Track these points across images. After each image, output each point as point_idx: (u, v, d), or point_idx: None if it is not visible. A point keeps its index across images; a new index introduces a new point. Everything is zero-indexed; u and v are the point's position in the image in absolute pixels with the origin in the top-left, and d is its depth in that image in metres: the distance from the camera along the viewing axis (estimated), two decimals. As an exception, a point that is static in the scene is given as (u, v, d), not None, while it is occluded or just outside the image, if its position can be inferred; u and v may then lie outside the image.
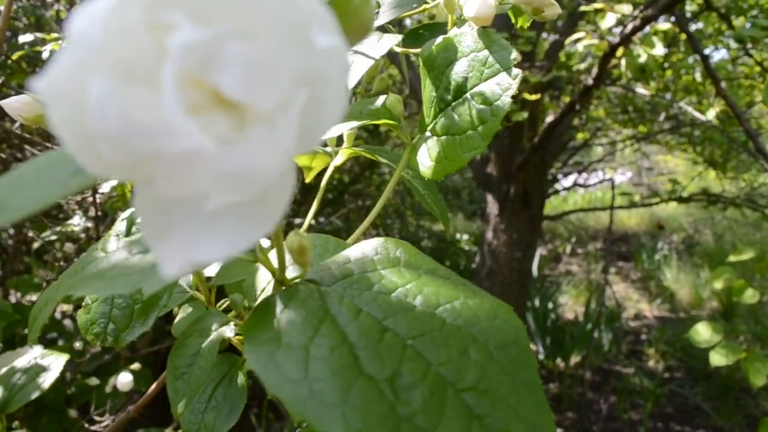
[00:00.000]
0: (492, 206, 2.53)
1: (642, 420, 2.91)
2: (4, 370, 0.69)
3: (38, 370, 0.68)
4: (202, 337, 0.45)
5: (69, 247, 1.19)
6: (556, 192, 3.81)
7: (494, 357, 0.27)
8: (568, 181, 4.20)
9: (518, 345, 0.28)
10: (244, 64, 0.18)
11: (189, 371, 0.44)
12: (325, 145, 0.62)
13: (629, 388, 3.15)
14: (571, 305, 4.01)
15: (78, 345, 1.12)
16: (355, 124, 0.49)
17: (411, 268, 0.32)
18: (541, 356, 3.30)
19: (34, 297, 1.35)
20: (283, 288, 0.33)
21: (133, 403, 1.19)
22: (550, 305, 3.44)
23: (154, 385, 0.60)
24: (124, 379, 1.07)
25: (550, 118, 2.56)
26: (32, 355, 0.71)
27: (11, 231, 1.64)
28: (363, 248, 0.34)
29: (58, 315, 1.50)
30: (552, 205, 6.19)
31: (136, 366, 1.05)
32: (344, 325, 0.28)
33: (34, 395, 0.65)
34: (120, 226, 0.50)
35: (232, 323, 0.46)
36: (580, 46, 2.06)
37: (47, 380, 0.66)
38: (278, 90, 0.19)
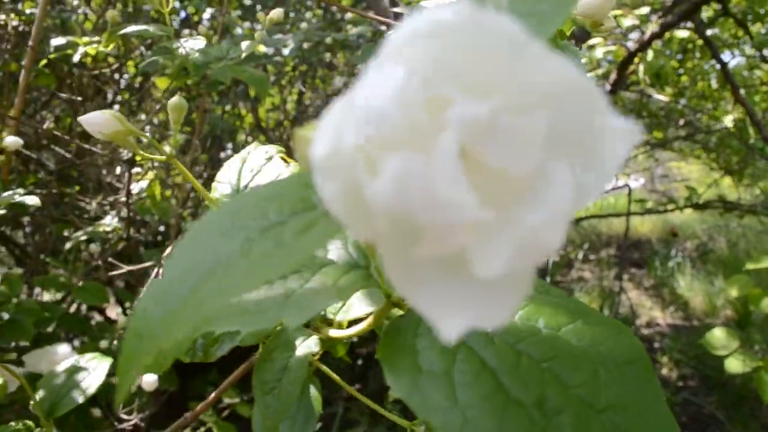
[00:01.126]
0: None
1: (656, 428, 2.90)
2: (44, 371, 0.70)
3: (82, 373, 0.69)
4: (287, 351, 0.46)
5: (93, 248, 1.21)
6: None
7: (623, 375, 0.28)
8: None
9: (642, 361, 0.29)
10: (513, 136, 0.19)
11: (278, 386, 0.45)
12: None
13: None
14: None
15: (104, 344, 1.13)
16: None
17: None
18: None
19: (58, 295, 1.37)
20: (402, 312, 0.33)
21: (157, 403, 1.20)
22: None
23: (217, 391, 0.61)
24: (149, 379, 1.08)
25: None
26: (75, 358, 0.72)
27: (27, 229, 1.66)
28: None
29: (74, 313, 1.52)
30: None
31: (160, 366, 1.06)
32: (480, 350, 0.29)
33: (80, 399, 0.65)
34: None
35: (315, 337, 0.46)
36: (598, 53, 2.06)
37: (93, 384, 0.67)
38: (537, 160, 0.19)
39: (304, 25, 1.11)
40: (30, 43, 0.90)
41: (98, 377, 0.69)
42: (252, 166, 0.54)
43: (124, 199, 0.96)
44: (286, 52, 1.14)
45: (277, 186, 0.25)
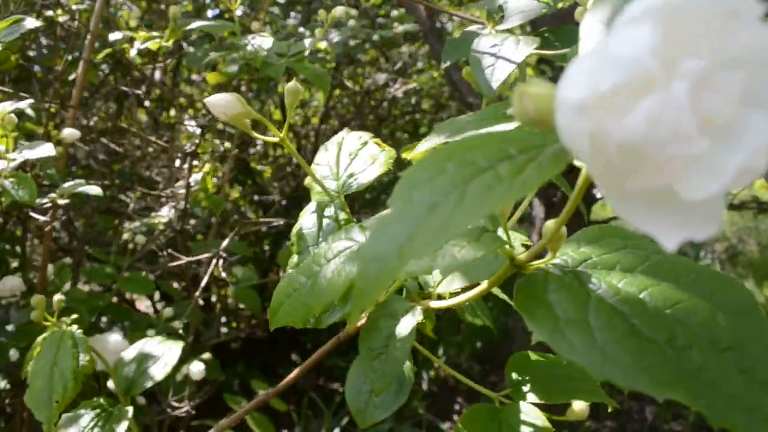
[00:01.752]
0: (538, 210, 2.52)
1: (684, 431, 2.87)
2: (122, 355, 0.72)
3: (156, 354, 0.71)
4: (392, 320, 0.48)
5: (139, 239, 1.23)
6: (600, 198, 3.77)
7: (739, 321, 0.31)
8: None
9: (755, 309, 0.32)
10: (722, 88, 0.24)
11: (386, 351, 0.47)
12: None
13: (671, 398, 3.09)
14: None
15: (150, 333, 1.15)
16: (497, 128, 0.50)
17: (636, 249, 0.37)
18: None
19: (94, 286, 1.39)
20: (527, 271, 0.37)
21: (203, 393, 1.22)
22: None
23: (295, 372, 0.62)
24: (196, 368, 1.10)
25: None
26: (148, 341, 0.74)
27: (62, 220, 1.69)
28: (588, 234, 0.39)
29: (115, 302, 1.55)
30: (594, 213, 6.11)
31: (207, 356, 1.08)
32: (609, 299, 0.33)
33: (159, 377, 0.68)
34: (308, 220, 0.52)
35: (418, 307, 0.48)
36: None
37: (168, 364, 0.70)
38: (737, 110, 0.25)
39: (352, 22, 1.12)
40: (88, 36, 0.92)
41: (172, 358, 0.71)
42: (349, 150, 0.57)
43: (183, 191, 0.97)
44: (324, 46, 1.15)
45: (477, 138, 0.28)
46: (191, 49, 1.20)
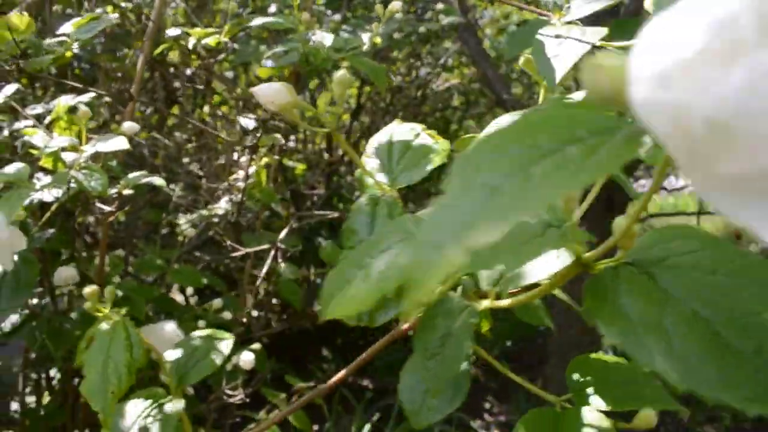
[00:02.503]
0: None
1: (719, 434, 2.83)
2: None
3: (209, 345, 0.72)
4: (448, 319, 0.48)
5: (189, 232, 1.26)
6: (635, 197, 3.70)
7: None
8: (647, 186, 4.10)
9: None
10: None
11: (441, 352, 0.47)
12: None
13: (704, 400, 3.05)
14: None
15: (201, 324, 1.18)
16: None
17: (716, 250, 0.34)
18: (612, 363, 3.23)
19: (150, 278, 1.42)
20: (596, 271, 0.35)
21: (255, 382, 1.24)
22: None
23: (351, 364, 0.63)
24: (247, 358, 1.12)
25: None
26: (199, 333, 0.76)
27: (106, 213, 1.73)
28: (660, 234, 0.37)
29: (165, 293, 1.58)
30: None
31: (256, 346, 1.10)
32: (687, 302, 0.30)
33: (213, 367, 0.69)
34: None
35: (476, 306, 0.48)
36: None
37: (220, 355, 0.70)
38: None
39: (399, 15, 1.12)
40: (148, 31, 0.95)
41: (225, 348, 0.72)
42: (401, 142, 0.56)
43: (241, 183, 0.99)
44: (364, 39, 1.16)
45: (541, 119, 0.26)
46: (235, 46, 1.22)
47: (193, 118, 1.08)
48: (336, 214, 1.34)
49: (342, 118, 3.03)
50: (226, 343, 0.75)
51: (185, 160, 1.60)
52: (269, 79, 1.12)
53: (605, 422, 0.47)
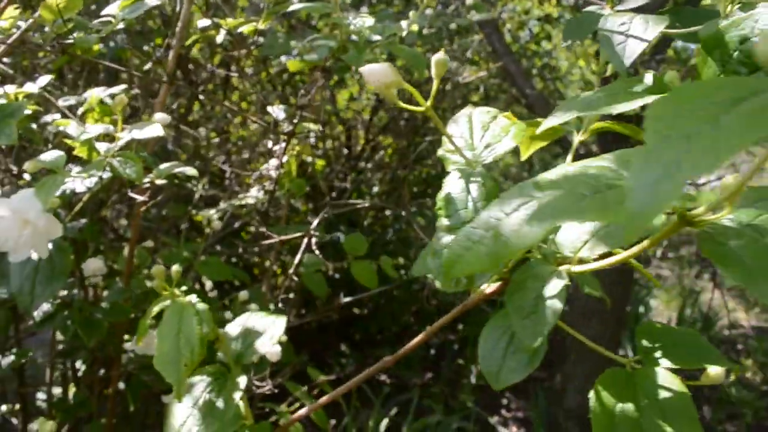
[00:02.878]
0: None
1: (740, 432, 2.79)
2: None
3: (263, 327, 0.74)
4: (538, 281, 0.50)
5: (216, 224, 1.26)
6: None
7: None
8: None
9: None
10: None
11: (536, 310, 0.49)
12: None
13: (725, 398, 3.02)
14: (661, 310, 3.87)
15: (228, 315, 1.18)
16: (628, 105, 0.50)
17: None
18: (631, 360, 3.20)
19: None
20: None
21: (284, 373, 1.25)
22: (641, 309, 3.34)
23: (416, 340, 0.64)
24: (274, 350, 1.12)
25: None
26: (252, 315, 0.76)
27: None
28: (750, 195, 0.41)
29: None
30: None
31: (282, 338, 1.10)
32: None
33: (266, 349, 0.70)
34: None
35: (563, 269, 0.49)
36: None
37: (275, 336, 0.72)
38: None
39: (429, 10, 1.12)
40: (179, 23, 0.95)
41: (277, 331, 0.73)
42: (481, 123, 0.59)
43: (274, 172, 0.99)
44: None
45: (717, 80, 0.29)
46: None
47: (224, 107, 1.08)
48: (366, 204, 1.34)
49: (362, 115, 3.03)
50: (278, 326, 0.76)
51: (209, 154, 1.61)
52: (299, 72, 1.12)
53: (674, 379, 0.50)
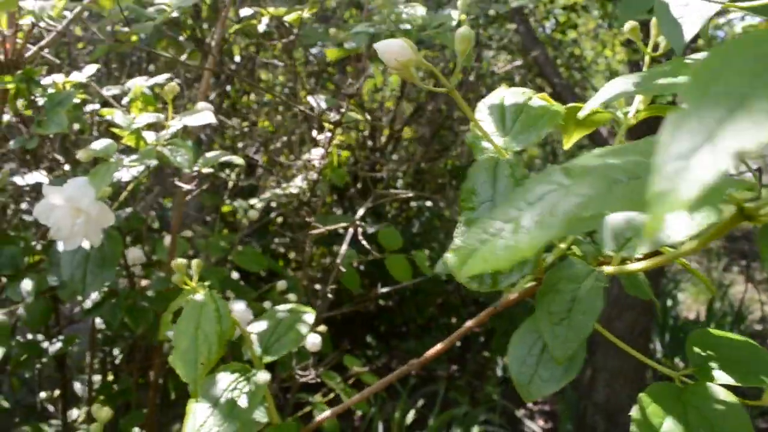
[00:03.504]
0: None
1: (772, 428, 2.75)
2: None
3: (291, 320, 0.72)
4: (573, 283, 0.46)
5: (252, 214, 1.26)
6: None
7: None
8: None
9: None
10: None
11: (568, 317, 0.45)
12: (607, 106, 0.61)
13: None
14: (689, 304, 3.82)
15: (268, 305, 1.18)
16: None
17: None
18: (659, 354, 3.17)
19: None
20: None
21: (326, 363, 1.25)
22: (669, 302, 3.29)
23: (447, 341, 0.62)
24: (314, 340, 1.12)
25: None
26: (285, 307, 0.75)
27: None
28: None
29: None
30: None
31: (322, 328, 1.10)
32: None
33: (295, 343, 0.69)
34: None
35: (602, 270, 0.47)
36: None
37: (303, 330, 0.70)
38: None
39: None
40: (222, 14, 0.95)
41: (306, 325, 0.72)
42: (514, 105, 0.55)
43: (317, 162, 0.99)
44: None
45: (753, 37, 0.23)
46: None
47: (263, 94, 1.08)
48: (411, 194, 1.33)
49: (386, 106, 3.02)
50: (309, 316, 0.74)
51: (239, 144, 1.61)
52: (339, 60, 1.11)
53: (732, 397, 0.45)
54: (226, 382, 0.65)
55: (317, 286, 1.59)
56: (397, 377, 0.71)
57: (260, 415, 0.66)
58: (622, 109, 0.60)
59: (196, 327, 0.62)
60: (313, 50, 1.35)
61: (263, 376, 0.66)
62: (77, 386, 1.49)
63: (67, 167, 1.06)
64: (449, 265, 0.49)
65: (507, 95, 0.56)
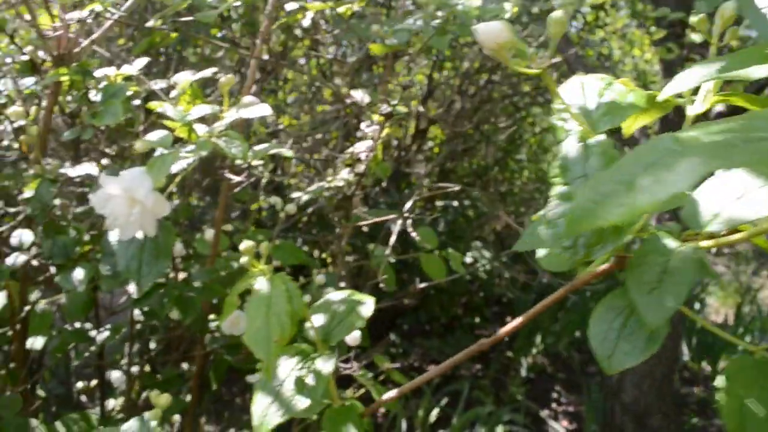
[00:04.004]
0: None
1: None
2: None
3: (351, 306, 0.73)
4: (663, 256, 0.47)
5: (290, 208, 1.27)
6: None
7: None
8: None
9: None
10: None
11: (659, 287, 0.46)
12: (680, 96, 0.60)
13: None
14: (717, 307, 3.77)
15: (306, 298, 1.19)
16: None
17: None
18: (686, 358, 3.13)
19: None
20: None
21: (366, 356, 1.25)
22: (697, 306, 3.25)
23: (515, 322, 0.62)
24: (354, 335, 1.12)
25: (720, 107, 2.41)
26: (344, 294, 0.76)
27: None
28: None
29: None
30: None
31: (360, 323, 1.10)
32: None
33: (355, 328, 0.69)
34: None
35: (689, 244, 0.48)
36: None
37: (364, 314, 0.71)
38: None
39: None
40: (267, 8, 0.95)
41: (367, 311, 0.72)
42: (596, 89, 0.56)
43: (364, 155, 0.99)
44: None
45: None
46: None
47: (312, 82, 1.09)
48: (458, 188, 1.33)
49: (413, 104, 3.02)
50: (368, 306, 0.75)
51: (273, 141, 1.62)
52: (384, 57, 1.11)
53: None
54: (291, 363, 0.67)
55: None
56: (467, 356, 0.71)
57: (326, 395, 0.67)
58: (689, 97, 0.60)
59: (268, 307, 0.63)
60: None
61: (328, 358, 0.67)
62: (113, 376, 1.51)
63: (105, 161, 1.08)
64: (544, 239, 0.50)
65: (587, 80, 0.58)
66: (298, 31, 1.43)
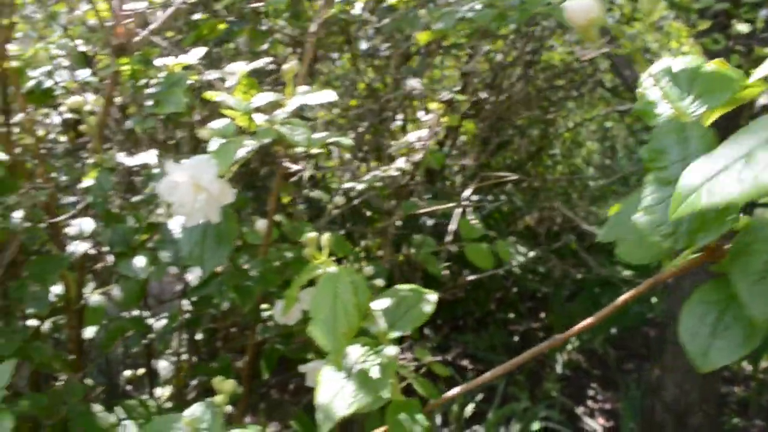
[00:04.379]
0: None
1: None
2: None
3: (414, 299, 0.72)
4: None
5: (338, 200, 1.27)
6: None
7: None
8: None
9: None
10: None
11: (767, 276, 0.45)
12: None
13: None
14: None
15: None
16: None
17: None
18: (726, 356, 3.06)
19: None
20: None
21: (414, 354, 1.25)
22: (738, 302, 3.18)
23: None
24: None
25: (763, 100, 2.35)
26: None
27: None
28: None
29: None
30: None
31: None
32: None
33: (419, 321, 0.69)
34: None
35: None
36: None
37: (425, 311, 0.70)
38: None
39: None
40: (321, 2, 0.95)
41: (428, 306, 0.72)
42: (686, 72, 0.55)
43: (420, 144, 0.99)
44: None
45: None
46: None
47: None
48: (515, 177, 1.32)
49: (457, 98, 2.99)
50: (431, 297, 0.75)
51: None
52: (428, 44, 1.11)
53: None
54: (356, 354, 0.66)
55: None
56: (536, 353, 0.70)
57: (389, 389, 0.66)
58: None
59: (334, 297, 0.63)
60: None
61: (393, 350, 0.67)
62: (159, 366, 1.54)
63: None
64: (641, 226, 0.48)
65: (675, 63, 0.56)
66: (338, 25, 1.43)
